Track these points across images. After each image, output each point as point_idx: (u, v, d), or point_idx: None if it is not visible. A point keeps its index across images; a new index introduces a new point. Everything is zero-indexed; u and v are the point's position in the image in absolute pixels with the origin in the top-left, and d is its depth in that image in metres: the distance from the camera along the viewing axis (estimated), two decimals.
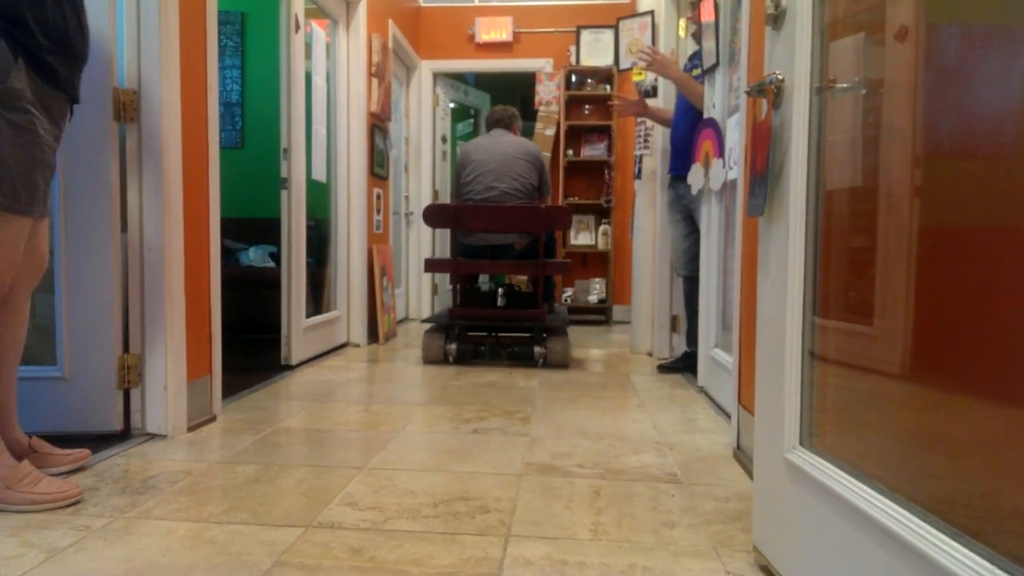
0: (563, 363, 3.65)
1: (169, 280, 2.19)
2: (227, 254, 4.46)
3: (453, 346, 3.70)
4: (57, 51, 1.62)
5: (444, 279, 6.25)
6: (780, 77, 1.33)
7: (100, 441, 2.07)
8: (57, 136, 1.70)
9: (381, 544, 1.42)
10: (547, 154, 5.80)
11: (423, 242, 5.93)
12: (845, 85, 1.27)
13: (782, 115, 1.34)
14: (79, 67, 1.74)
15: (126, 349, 2.17)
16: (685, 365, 3.46)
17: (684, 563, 1.35)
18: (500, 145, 3.99)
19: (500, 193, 3.87)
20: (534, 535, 1.47)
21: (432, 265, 3.93)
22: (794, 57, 1.29)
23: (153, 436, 2.16)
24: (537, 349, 3.66)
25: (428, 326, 3.93)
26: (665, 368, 3.53)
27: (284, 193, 3.51)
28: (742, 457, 1.99)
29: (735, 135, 2.64)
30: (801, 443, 1.25)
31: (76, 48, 1.69)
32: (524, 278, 3.92)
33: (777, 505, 1.28)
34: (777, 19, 1.36)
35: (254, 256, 4.65)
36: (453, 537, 1.46)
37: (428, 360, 3.71)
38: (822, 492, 1.12)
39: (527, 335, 3.96)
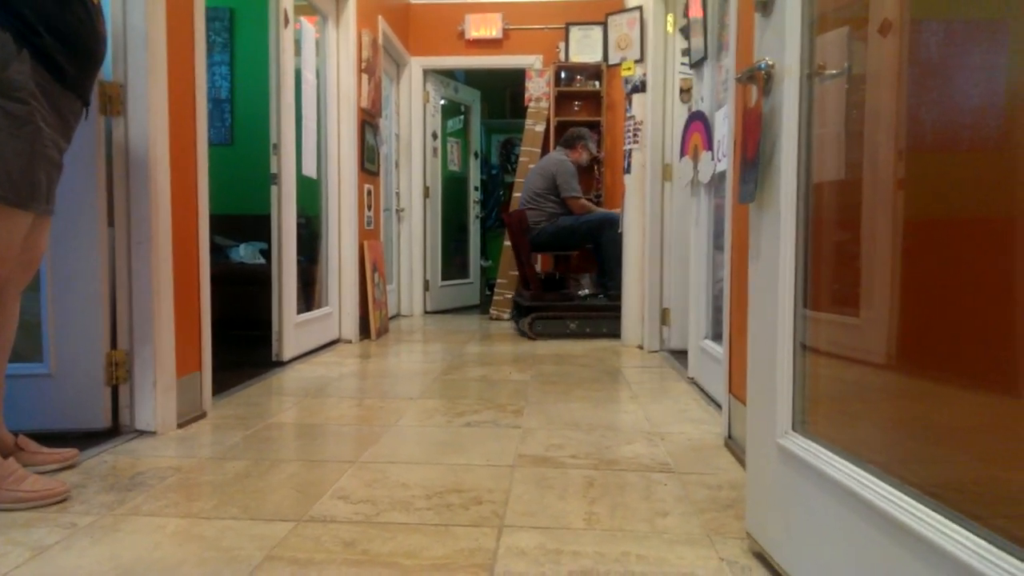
0: (525, 333, 4.55)
1: (157, 276, 2.17)
2: (217, 251, 4.43)
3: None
4: (65, 50, 1.60)
5: (436, 276, 6.23)
6: (771, 63, 1.32)
7: (88, 438, 2.05)
8: (65, 134, 1.68)
9: (374, 537, 1.41)
10: (535, 150, 5.79)
11: (414, 238, 5.92)
12: (835, 71, 1.27)
13: (772, 101, 1.33)
14: (90, 69, 1.71)
15: (114, 345, 2.15)
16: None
17: (678, 551, 1.35)
18: (537, 164, 5.15)
19: (520, 203, 5.11)
20: (528, 525, 1.47)
21: None
22: (784, 43, 1.28)
23: (142, 433, 2.14)
24: (518, 322, 4.77)
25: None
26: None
27: (274, 189, 3.49)
28: (734, 446, 1.99)
29: (723, 127, 2.64)
30: (794, 429, 1.25)
31: (87, 50, 1.67)
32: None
33: (770, 491, 1.28)
34: (767, 5, 1.36)
35: (244, 253, 4.62)
36: (447, 529, 1.45)
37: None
38: (815, 476, 1.12)
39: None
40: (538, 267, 5.70)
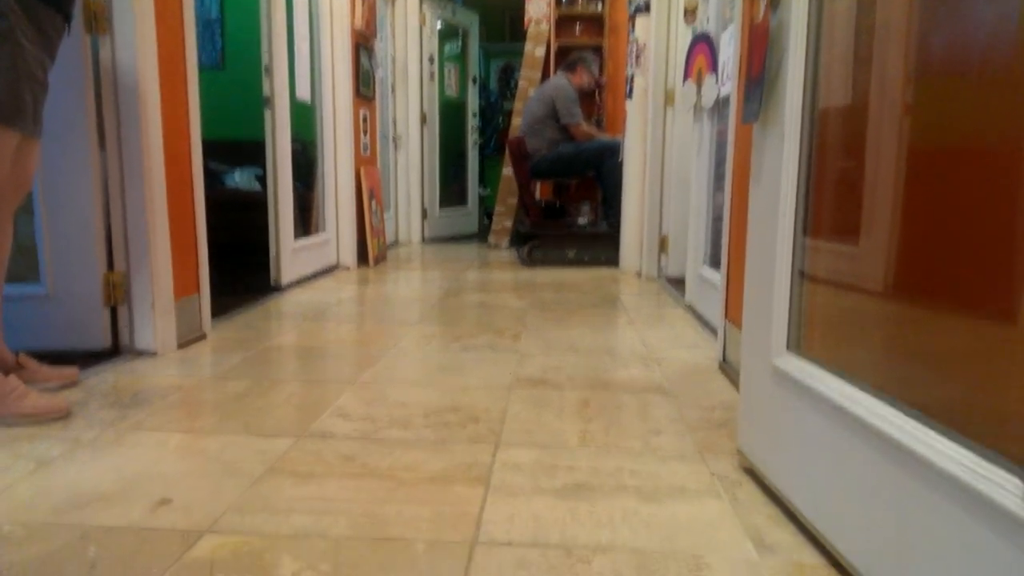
0: (524, 260, 4.58)
1: (151, 198, 2.14)
2: (212, 177, 4.37)
3: None
4: None
5: (434, 204, 6.19)
6: None
7: (89, 359, 2.07)
8: (49, 51, 1.62)
9: (373, 452, 1.44)
10: (535, 74, 5.66)
11: (411, 166, 5.84)
12: None
13: (780, 15, 1.29)
14: None
15: (111, 267, 2.14)
16: None
17: (670, 466, 1.38)
18: (538, 89, 5.06)
19: (520, 130, 5.02)
20: (524, 442, 1.49)
21: None
22: None
23: (142, 353, 2.16)
24: (518, 250, 4.91)
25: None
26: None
27: (267, 112, 3.42)
28: (728, 369, 2.02)
29: (729, 49, 2.57)
30: (788, 350, 1.26)
31: None
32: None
33: (762, 408, 1.30)
34: None
35: (240, 179, 4.57)
36: (444, 445, 1.48)
37: None
38: (807, 394, 1.13)
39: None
40: (537, 195, 5.68)
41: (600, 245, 4.52)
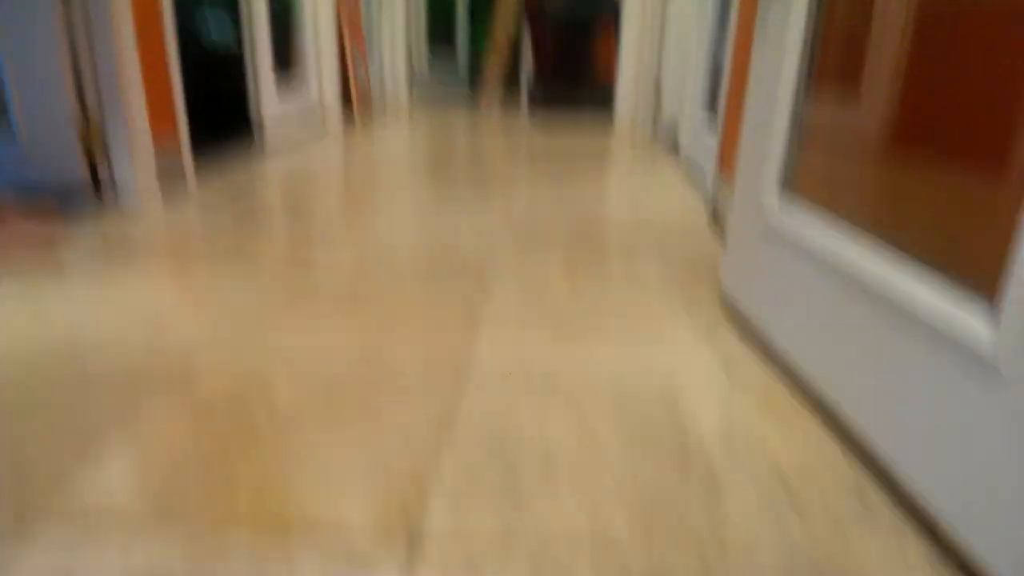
0: (534, 118, 4.53)
1: (121, 54, 2.03)
2: (188, 35, 4.15)
3: None
4: None
5: (422, 66, 5.96)
6: None
7: (72, 214, 2.04)
8: None
9: (366, 297, 1.45)
10: None
11: (397, 26, 5.57)
12: None
13: None
14: None
15: (86, 120, 2.07)
16: None
17: (654, 309, 1.40)
18: None
19: None
20: (510, 286, 1.51)
21: None
22: None
23: (126, 209, 2.13)
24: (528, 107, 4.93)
25: None
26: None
27: None
28: (717, 221, 2.01)
29: None
30: (780, 187, 1.24)
31: None
32: None
33: (747, 251, 1.30)
34: None
35: (215, 32, 4.33)
36: (436, 282, 1.50)
37: None
38: (792, 237, 1.13)
39: None
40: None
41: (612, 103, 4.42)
